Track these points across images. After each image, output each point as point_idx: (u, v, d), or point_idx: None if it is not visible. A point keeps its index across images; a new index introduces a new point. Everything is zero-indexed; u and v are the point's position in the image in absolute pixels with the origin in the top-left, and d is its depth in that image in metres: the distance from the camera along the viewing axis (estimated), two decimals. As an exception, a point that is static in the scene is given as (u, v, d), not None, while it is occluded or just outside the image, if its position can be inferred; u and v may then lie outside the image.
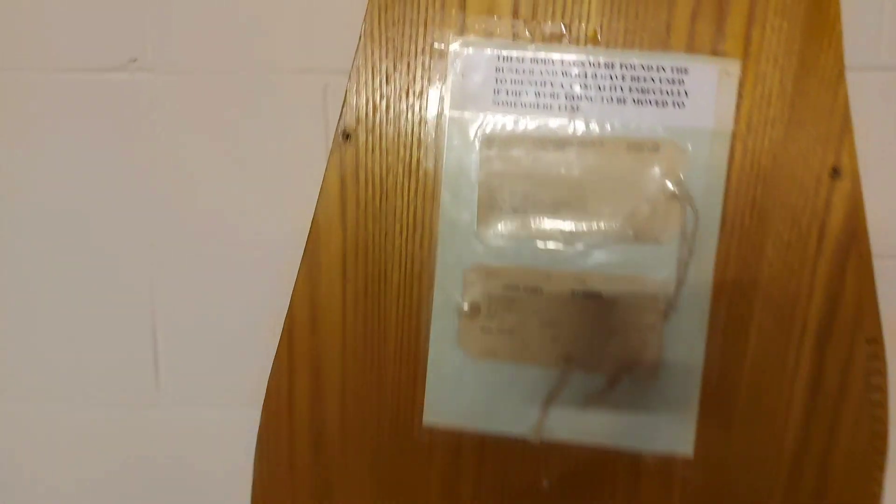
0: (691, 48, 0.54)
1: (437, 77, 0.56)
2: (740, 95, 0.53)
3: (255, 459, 0.61)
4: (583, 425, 0.57)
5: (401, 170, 0.57)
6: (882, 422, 0.54)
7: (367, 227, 0.58)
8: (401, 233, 0.57)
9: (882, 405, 0.54)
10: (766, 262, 0.54)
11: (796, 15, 0.52)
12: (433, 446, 0.58)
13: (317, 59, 0.61)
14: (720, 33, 0.53)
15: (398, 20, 0.56)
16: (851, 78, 0.52)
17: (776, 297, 0.54)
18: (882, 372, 0.54)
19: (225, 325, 0.69)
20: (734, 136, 0.53)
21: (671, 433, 0.56)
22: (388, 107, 0.57)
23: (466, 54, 0.55)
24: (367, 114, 0.57)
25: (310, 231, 0.58)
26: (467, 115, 0.56)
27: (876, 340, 0.54)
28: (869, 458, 0.54)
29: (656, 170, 0.54)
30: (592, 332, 0.56)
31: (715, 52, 0.53)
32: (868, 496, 0.54)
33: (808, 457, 0.54)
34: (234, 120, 0.62)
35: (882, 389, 0.53)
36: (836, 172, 0.53)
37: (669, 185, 0.54)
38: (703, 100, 0.54)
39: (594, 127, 0.55)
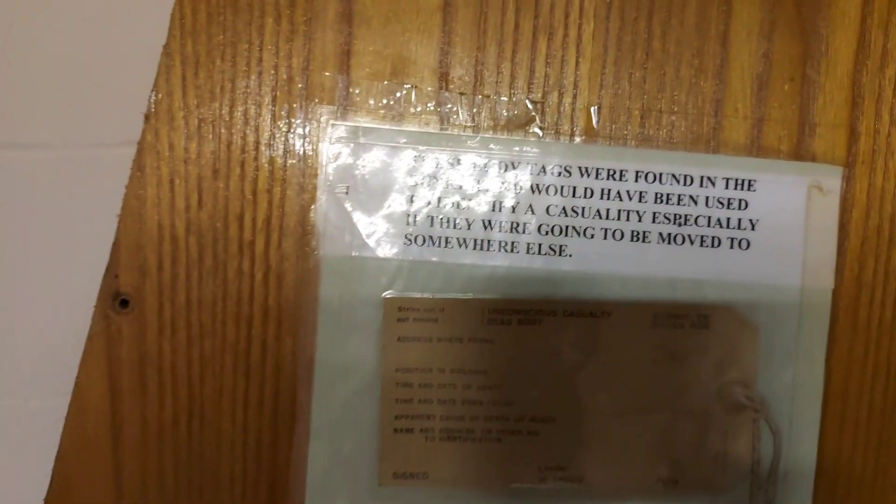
0: (760, 147, 0.30)
1: (298, 191, 0.30)
2: (844, 229, 0.30)
3: None
4: None
5: (228, 364, 0.30)
6: None
7: (162, 476, 0.30)
8: (229, 485, 0.30)
9: None
10: (898, 519, 0.31)
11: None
12: None
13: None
14: (808, 121, 0.30)
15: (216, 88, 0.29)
16: None
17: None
18: None
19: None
20: (836, 299, 0.30)
21: None
22: (202, 248, 0.30)
23: (351, 151, 0.30)
24: (161, 261, 0.29)
25: (49, 488, 0.30)
26: (359, 265, 0.30)
27: None
28: None
29: (705, 359, 0.30)
30: None
31: (800, 155, 0.30)
32: None
33: None
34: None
35: None
36: None
37: (731, 388, 0.30)
38: (782, 236, 0.30)
39: (592, 283, 0.30)
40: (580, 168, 0.30)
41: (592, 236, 0.30)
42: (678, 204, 0.30)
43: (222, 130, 0.30)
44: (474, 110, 0.30)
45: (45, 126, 0.31)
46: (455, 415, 0.30)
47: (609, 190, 0.30)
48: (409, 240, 0.30)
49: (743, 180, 0.30)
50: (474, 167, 0.30)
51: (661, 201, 0.30)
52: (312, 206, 0.30)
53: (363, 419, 0.30)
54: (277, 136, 0.30)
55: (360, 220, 0.30)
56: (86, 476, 0.30)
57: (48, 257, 0.31)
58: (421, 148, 0.30)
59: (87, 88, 0.31)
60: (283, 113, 0.30)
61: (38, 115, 0.31)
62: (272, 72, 0.30)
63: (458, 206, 0.30)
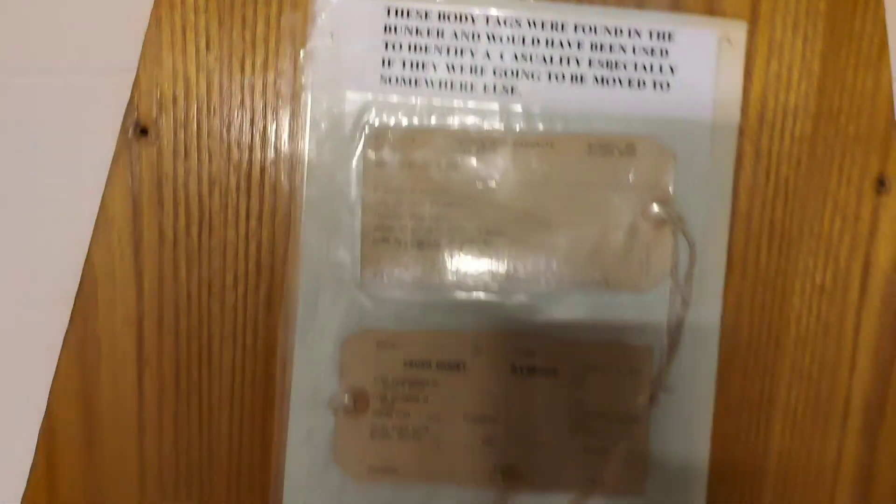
0: (678, 4, 0.36)
1: (291, 39, 0.35)
2: (749, 74, 0.36)
3: None
4: (533, 576, 0.37)
5: (233, 183, 0.35)
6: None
7: (176, 275, 0.35)
8: (234, 285, 0.36)
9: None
10: (792, 315, 0.37)
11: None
12: None
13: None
14: (718, -19, 0.36)
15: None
16: None
17: (807, 368, 0.37)
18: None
19: None
20: (742, 132, 0.36)
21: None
22: (209, 85, 0.35)
23: (336, 4, 0.35)
24: (175, 96, 0.35)
25: (79, 288, 0.35)
26: (342, 98, 0.35)
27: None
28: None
29: (631, 181, 0.36)
30: (544, 430, 0.37)
31: (711, 11, 0.36)
32: None
33: None
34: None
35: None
36: (882, 185, 0.37)
37: (653, 205, 0.36)
38: (696, 79, 0.36)
39: (538, 118, 0.36)
40: (528, 20, 0.36)
41: (539, 79, 0.36)
42: (610, 52, 0.36)
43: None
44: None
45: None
46: (423, 227, 0.36)
47: (552, 39, 0.36)
48: (385, 80, 0.36)
49: (664, 32, 0.36)
50: (440, 17, 0.36)
51: (596, 49, 0.36)
52: (302, 50, 0.35)
53: (348, 230, 0.36)
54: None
55: (345, 58, 0.35)
56: (110, 278, 0.35)
57: (78, 96, 0.37)
58: (394, 2, 0.35)
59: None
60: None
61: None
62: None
63: (427, 50, 0.36)
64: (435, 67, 0.36)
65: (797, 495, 0.37)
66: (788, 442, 0.37)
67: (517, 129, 0.36)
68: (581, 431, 0.37)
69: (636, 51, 0.36)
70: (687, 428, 0.37)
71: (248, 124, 0.35)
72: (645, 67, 0.36)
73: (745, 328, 0.37)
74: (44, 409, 0.36)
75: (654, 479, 0.37)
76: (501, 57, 0.36)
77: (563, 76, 0.36)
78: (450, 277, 0.36)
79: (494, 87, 0.36)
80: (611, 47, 0.36)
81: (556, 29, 0.36)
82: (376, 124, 0.35)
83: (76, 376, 0.35)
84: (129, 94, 0.35)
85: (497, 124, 0.36)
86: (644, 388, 0.36)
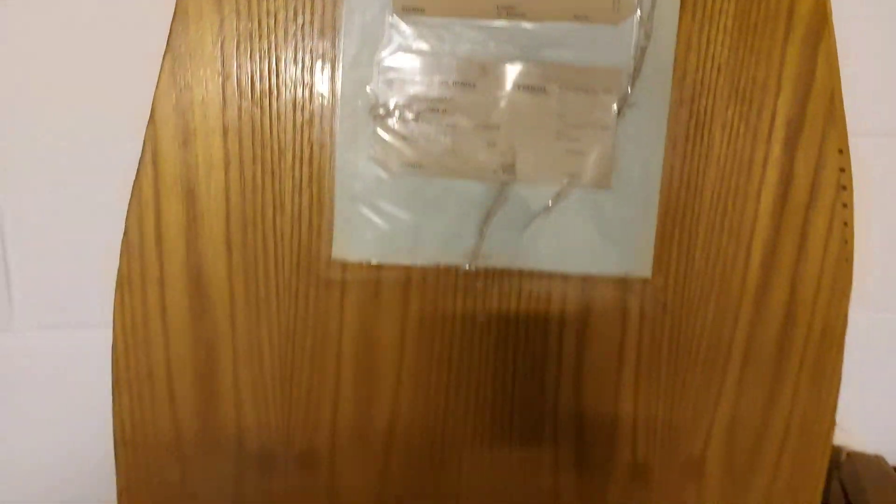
0: None
1: None
2: None
3: (115, 319, 0.48)
4: (526, 249, 0.48)
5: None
6: (851, 232, 0.48)
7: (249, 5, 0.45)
8: (294, 16, 0.46)
9: (850, 220, 0.49)
10: (730, 46, 0.47)
11: None
12: (346, 284, 0.48)
13: None
14: None
15: None
16: None
17: (743, 87, 0.47)
18: (848, 187, 0.49)
19: (80, 242, 0.58)
20: None
21: (626, 252, 0.48)
22: None
23: None
24: None
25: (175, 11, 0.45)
26: None
27: (843, 152, 0.48)
28: (839, 273, 0.48)
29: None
30: (536, 136, 0.47)
31: None
32: (839, 315, 0.49)
33: (778, 272, 0.48)
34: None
35: (847, 187, 0.48)
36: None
37: (624, -46, 0.46)
38: None
39: None
40: None
41: None
42: None
43: None
44: None
45: None
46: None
47: None
48: None
49: None
50: None
51: None
52: None
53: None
54: None
55: None
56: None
57: None
58: None
59: None
60: None
61: None
62: None
63: None
64: None
65: (731, 195, 0.48)
66: (725, 150, 0.48)
67: None
68: (564, 138, 0.47)
69: None
70: (646, 137, 0.47)
71: None
72: None
73: (693, 58, 0.47)
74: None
75: (620, 176, 0.47)
76: None
77: None
78: (464, 6, 0.46)
79: None
80: None
81: None
82: None
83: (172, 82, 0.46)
84: None
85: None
86: (613, 104, 0.47)
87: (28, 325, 0.59)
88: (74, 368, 0.61)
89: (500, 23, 0.46)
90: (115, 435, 0.48)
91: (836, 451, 0.63)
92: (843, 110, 0.48)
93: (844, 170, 0.48)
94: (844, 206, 0.49)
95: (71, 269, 0.59)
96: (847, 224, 0.49)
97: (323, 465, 0.49)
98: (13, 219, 0.56)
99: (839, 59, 0.47)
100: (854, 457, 0.64)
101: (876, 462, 0.64)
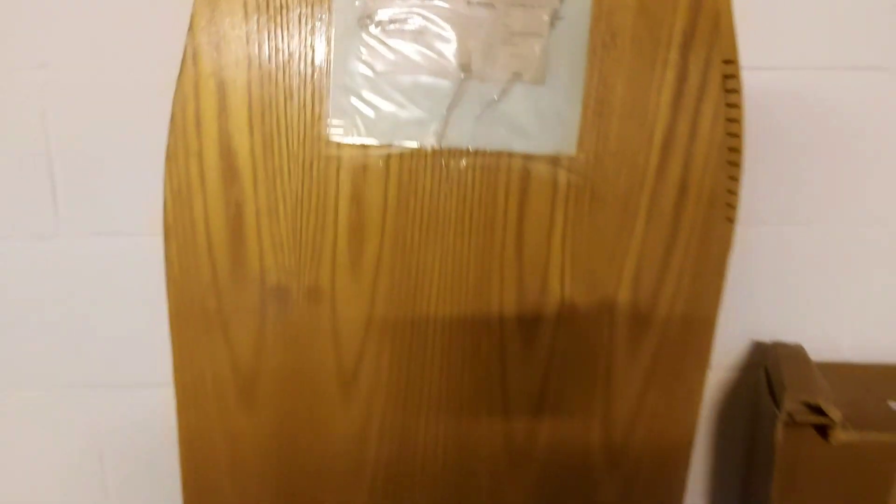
0: None
1: None
2: None
3: (166, 181, 0.62)
4: (480, 132, 0.62)
5: None
6: (737, 121, 0.62)
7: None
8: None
9: (737, 106, 0.62)
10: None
11: None
12: (341, 159, 0.62)
13: None
14: None
15: None
16: None
17: (648, 4, 0.60)
18: (738, 90, 0.62)
19: (125, 150, 0.69)
20: None
21: (557, 135, 0.62)
22: None
23: None
24: None
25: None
26: None
27: (731, 62, 0.61)
28: (725, 152, 0.63)
29: None
30: (487, 41, 0.61)
31: None
32: (725, 192, 0.63)
33: (674, 148, 0.62)
34: None
35: (737, 90, 0.62)
36: None
37: None
38: None
39: None
40: None
41: None
42: None
43: None
44: None
45: None
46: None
47: None
48: None
49: None
50: None
51: None
52: None
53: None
54: None
55: None
56: None
57: None
58: None
59: None
60: None
61: None
62: None
63: None
64: None
65: (638, 89, 0.62)
66: (634, 55, 0.61)
67: None
68: (509, 43, 0.61)
69: None
70: (572, 43, 0.61)
71: None
72: None
73: (610, -21, 0.60)
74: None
75: (552, 74, 0.61)
76: None
77: None
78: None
79: None
80: None
81: None
82: None
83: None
84: None
85: None
86: (547, 16, 0.60)
87: (73, 233, 0.71)
88: (117, 272, 0.73)
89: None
90: (166, 274, 0.63)
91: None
92: (731, 28, 0.61)
93: (733, 76, 0.62)
94: (732, 106, 0.62)
95: (113, 180, 0.70)
96: (735, 121, 0.63)
97: (325, 298, 0.64)
98: (56, 121, 0.68)
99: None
100: (778, 345, 0.78)
101: (795, 349, 0.78)
